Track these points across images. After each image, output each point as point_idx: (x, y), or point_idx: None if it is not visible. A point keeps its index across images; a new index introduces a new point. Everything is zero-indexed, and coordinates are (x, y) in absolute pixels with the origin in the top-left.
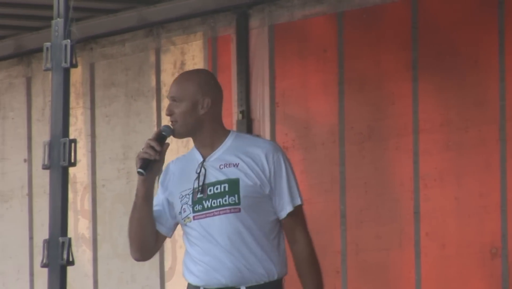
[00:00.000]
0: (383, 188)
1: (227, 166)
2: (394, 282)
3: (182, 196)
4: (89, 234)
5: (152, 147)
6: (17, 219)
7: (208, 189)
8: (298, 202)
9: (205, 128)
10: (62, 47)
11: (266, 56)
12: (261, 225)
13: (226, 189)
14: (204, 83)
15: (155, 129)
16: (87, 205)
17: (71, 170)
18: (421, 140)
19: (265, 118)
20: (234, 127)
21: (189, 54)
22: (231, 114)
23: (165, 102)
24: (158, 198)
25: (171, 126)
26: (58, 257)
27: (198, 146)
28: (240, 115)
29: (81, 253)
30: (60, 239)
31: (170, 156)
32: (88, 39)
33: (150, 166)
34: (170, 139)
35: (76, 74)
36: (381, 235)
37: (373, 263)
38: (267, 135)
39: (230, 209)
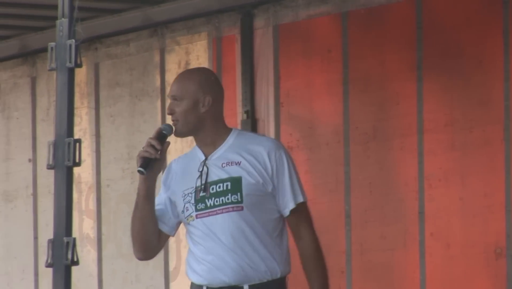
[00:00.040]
0: (388, 188)
1: (230, 164)
2: (398, 282)
3: (185, 195)
4: (93, 234)
5: (152, 146)
6: (22, 219)
7: (211, 188)
8: (301, 199)
9: (207, 127)
10: (66, 47)
11: (271, 56)
12: (264, 223)
13: (229, 187)
14: (204, 81)
15: None
16: (92, 205)
17: (76, 170)
18: (426, 140)
19: (270, 118)
20: (239, 128)
21: (193, 54)
22: (236, 114)
23: None
24: (161, 197)
25: (172, 125)
26: (62, 257)
27: (200, 144)
28: (245, 115)
29: (86, 253)
30: (65, 239)
31: (175, 156)
32: (92, 39)
33: (150, 164)
34: (175, 139)
35: (81, 74)
36: (385, 235)
37: (377, 263)
38: (272, 135)
39: (232, 208)
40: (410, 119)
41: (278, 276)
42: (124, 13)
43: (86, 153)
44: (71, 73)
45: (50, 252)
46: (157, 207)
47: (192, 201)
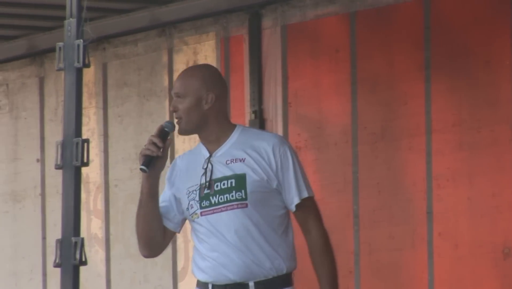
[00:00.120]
0: (396, 188)
1: (234, 161)
2: (407, 282)
3: (189, 192)
4: (101, 234)
5: (154, 143)
6: (30, 219)
7: (215, 185)
8: (306, 194)
9: (210, 124)
10: (74, 47)
11: (279, 56)
12: (269, 219)
13: (233, 185)
14: (207, 78)
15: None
16: (100, 205)
17: (84, 170)
18: (434, 140)
19: (278, 119)
20: None
21: (201, 54)
22: (244, 114)
23: None
24: (165, 194)
25: (175, 123)
26: (71, 257)
27: (204, 141)
28: (253, 115)
29: (94, 253)
30: (73, 239)
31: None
32: (100, 39)
33: (152, 162)
34: (183, 140)
35: (89, 74)
36: (394, 235)
37: (386, 263)
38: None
39: (237, 205)
40: (418, 119)
41: (284, 272)
42: (132, 13)
43: (94, 153)
44: (79, 73)
45: (58, 252)
46: (162, 204)
47: (197, 198)
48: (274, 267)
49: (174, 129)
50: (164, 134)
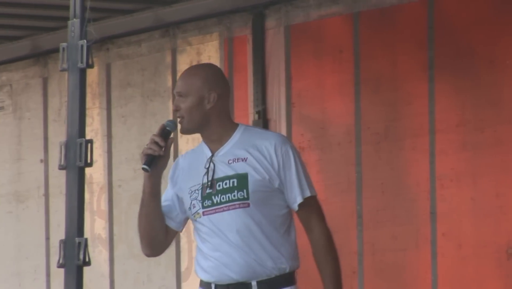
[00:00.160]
0: (400, 188)
1: (236, 160)
2: (410, 282)
3: (192, 191)
4: (105, 235)
5: (156, 143)
6: (34, 219)
7: (217, 184)
8: (308, 193)
9: (212, 123)
10: (78, 47)
11: (282, 56)
12: (271, 219)
13: (235, 184)
14: (209, 77)
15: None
16: (104, 205)
17: (88, 170)
18: (437, 140)
19: (281, 119)
20: None
21: (205, 54)
22: (248, 115)
23: None
24: (168, 193)
25: (177, 122)
26: (74, 257)
27: (207, 140)
28: (256, 116)
29: (98, 253)
30: (77, 240)
31: None
32: (104, 39)
33: (154, 161)
34: (186, 140)
35: (92, 75)
36: (397, 235)
37: (389, 263)
38: None
39: (239, 204)
40: (422, 120)
41: (287, 271)
42: (136, 14)
43: (98, 153)
44: (82, 73)
45: (62, 252)
46: (164, 203)
47: (199, 198)
48: (277, 267)
49: (176, 129)
50: (166, 134)
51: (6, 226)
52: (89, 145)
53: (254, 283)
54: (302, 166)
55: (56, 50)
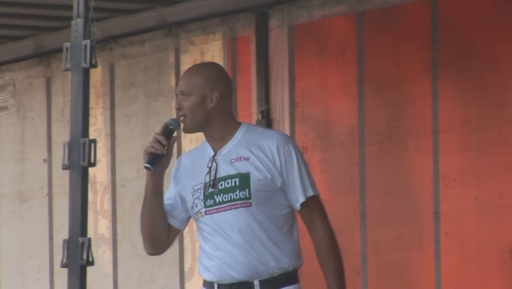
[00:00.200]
0: (403, 188)
1: (238, 160)
2: (414, 282)
3: (194, 191)
4: (108, 234)
5: (158, 141)
6: (37, 219)
7: (219, 184)
8: (311, 192)
9: (215, 122)
10: (81, 47)
11: (286, 56)
12: (273, 218)
13: (237, 184)
14: (212, 76)
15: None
16: (107, 205)
17: (91, 170)
18: (441, 140)
19: (285, 119)
20: None
21: (208, 54)
22: (251, 115)
23: None
24: (170, 191)
25: (179, 120)
26: (77, 257)
27: (209, 139)
28: (260, 116)
29: (101, 253)
30: (80, 239)
31: None
32: (107, 39)
33: (157, 160)
34: (190, 140)
35: (96, 75)
36: (401, 235)
37: (393, 263)
38: None
39: (241, 204)
40: (425, 120)
41: (289, 270)
42: (139, 14)
43: (101, 153)
44: (86, 73)
45: (65, 252)
46: (167, 202)
47: (201, 197)
48: (279, 266)
49: (179, 127)
50: (168, 132)
51: (10, 226)
52: (92, 144)
53: (256, 282)
54: (304, 165)
55: (59, 50)
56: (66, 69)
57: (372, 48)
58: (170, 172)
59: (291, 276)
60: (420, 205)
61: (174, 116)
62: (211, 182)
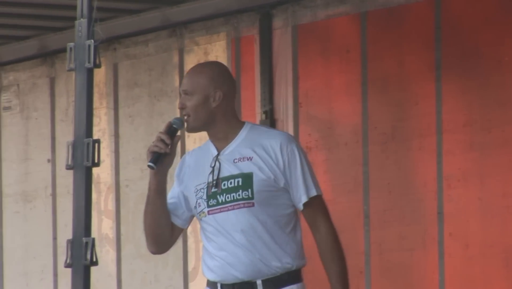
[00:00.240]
0: (407, 188)
1: (241, 159)
2: (417, 282)
3: (197, 190)
4: (112, 234)
5: (162, 140)
6: (41, 219)
7: (222, 183)
8: (314, 192)
9: (218, 122)
10: (85, 47)
11: (290, 56)
12: (276, 218)
13: (240, 184)
14: (216, 76)
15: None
16: (111, 205)
17: (95, 170)
18: (445, 140)
19: (289, 119)
20: None
21: (212, 54)
22: (255, 115)
23: None
24: (174, 190)
25: (183, 119)
26: (81, 257)
27: (213, 139)
28: (264, 116)
29: (105, 253)
30: (84, 239)
31: None
32: (111, 39)
33: (160, 159)
34: (194, 140)
35: (100, 75)
36: (404, 235)
37: (396, 263)
38: None
39: (243, 204)
40: (429, 120)
41: (293, 269)
42: (143, 14)
43: (105, 153)
44: (90, 73)
45: (69, 252)
46: (170, 200)
47: (204, 197)
48: (282, 266)
49: (183, 126)
50: (172, 131)
51: (14, 226)
52: (96, 144)
53: (259, 282)
54: (307, 165)
55: (63, 50)
56: (70, 69)
57: (376, 48)
58: (173, 171)
59: (294, 275)
60: (424, 205)
61: (177, 116)
62: (214, 182)
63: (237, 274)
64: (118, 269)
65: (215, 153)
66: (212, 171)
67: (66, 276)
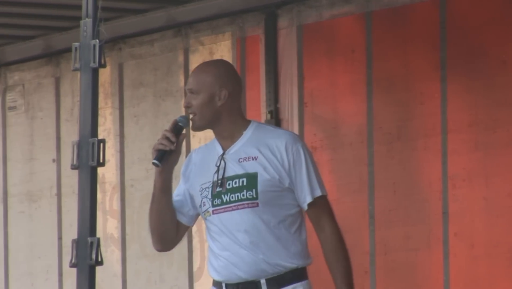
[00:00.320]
0: (412, 188)
1: (246, 159)
2: (422, 282)
3: (202, 189)
4: (117, 234)
5: (167, 138)
6: (46, 219)
7: (227, 183)
8: (319, 193)
9: (223, 120)
10: (90, 47)
11: (295, 56)
12: (280, 218)
13: (244, 184)
14: (221, 74)
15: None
16: (116, 205)
17: (100, 170)
18: (450, 140)
19: (294, 119)
20: None
21: (217, 54)
22: (260, 115)
23: None
24: (180, 188)
25: (188, 118)
26: (86, 257)
27: (218, 137)
28: (269, 115)
29: (110, 253)
30: (89, 239)
31: None
32: (116, 39)
33: (165, 157)
34: (199, 139)
35: (105, 74)
36: (409, 235)
37: (401, 263)
38: None
39: (247, 204)
40: (434, 120)
41: (298, 268)
42: (148, 13)
43: (110, 153)
44: (95, 73)
45: (74, 252)
46: (176, 198)
47: (209, 196)
48: (286, 265)
49: (188, 125)
50: (178, 129)
51: (19, 225)
52: (101, 144)
53: (263, 281)
54: (313, 165)
55: (68, 50)
56: (75, 69)
57: (381, 48)
58: (179, 169)
59: (299, 273)
60: (429, 205)
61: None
62: (219, 181)
63: (241, 274)
64: (123, 269)
65: (221, 151)
66: (218, 170)
67: (71, 276)
